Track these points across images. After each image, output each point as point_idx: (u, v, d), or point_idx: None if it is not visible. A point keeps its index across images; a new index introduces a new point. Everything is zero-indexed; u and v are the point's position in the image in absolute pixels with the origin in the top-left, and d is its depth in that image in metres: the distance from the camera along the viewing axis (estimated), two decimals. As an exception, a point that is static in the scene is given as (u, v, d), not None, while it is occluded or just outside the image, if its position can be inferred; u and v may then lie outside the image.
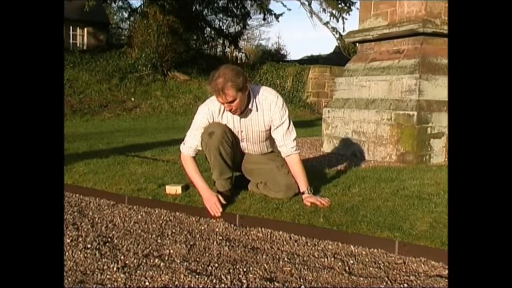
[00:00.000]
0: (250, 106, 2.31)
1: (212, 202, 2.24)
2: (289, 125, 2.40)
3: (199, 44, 15.22)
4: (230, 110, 2.24)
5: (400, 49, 4.19)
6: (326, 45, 50.17)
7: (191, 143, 2.37)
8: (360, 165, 3.89)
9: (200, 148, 2.39)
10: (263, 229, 2.14)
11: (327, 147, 4.72)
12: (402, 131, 3.87)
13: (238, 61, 16.08)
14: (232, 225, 2.19)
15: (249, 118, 2.35)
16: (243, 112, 2.31)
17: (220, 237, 2.03)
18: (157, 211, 2.47)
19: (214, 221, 2.23)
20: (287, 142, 2.40)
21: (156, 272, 1.60)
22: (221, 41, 16.31)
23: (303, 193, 2.35)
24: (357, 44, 4.97)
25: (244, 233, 2.10)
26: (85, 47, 15.40)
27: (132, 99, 11.01)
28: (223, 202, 2.25)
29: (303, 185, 2.37)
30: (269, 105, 2.33)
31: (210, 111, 2.35)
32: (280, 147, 2.43)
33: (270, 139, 2.51)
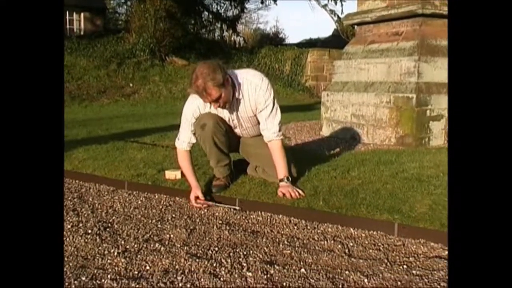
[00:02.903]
0: (236, 96, 2.26)
1: (192, 201, 2.23)
2: (272, 108, 2.32)
3: (197, 29, 15.06)
4: (218, 106, 2.19)
5: (399, 31, 4.14)
6: (325, 28, 49.66)
7: (184, 137, 2.35)
8: (359, 148, 3.88)
9: (194, 141, 2.36)
10: (262, 212, 2.15)
11: (326, 131, 4.71)
12: (401, 114, 3.85)
13: (236, 45, 15.94)
14: (231, 209, 2.20)
15: (237, 106, 2.32)
16: (231, 102, 2.27)
17: (220, 221, 2.03)
18: (157, 196, 2.47)
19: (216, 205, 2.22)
20: (269, 126, 2.33)
21: (156, 257, 1.60)
22: (219, 25, 16.13)
23: (280, 180, 2.31)
24: (356, 27, 4.91)
25: (244, 217, 2.10)
26: (82, 33, 15.22)
27: (131, 84, 10.94)
28: (203, 205, 2.22)
29: (281, 172, 2.31)
30: (254, 89, 2.28)
31: (196, 105, 2.31)
32: (262, 131, 2.37)
33: None
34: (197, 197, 2.22)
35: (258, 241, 1.78)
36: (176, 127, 2.52)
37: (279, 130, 2.36)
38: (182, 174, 2.52)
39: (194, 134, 2.34)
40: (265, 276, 1.45)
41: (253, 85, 2.28)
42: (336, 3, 13.72)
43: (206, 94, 2.09)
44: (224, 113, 2.35)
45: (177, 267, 1.52)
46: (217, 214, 2.15)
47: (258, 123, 2.41)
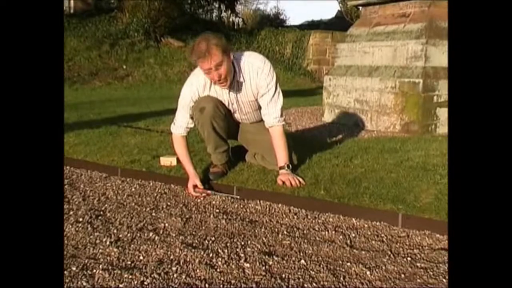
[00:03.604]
0: (237, 78, 2.24)
1: (190, 190, 2.22)
2: (274, 93, 2.31)
3: (194, 8, 14.87)
4: (219, 79, 2.16)
5: (406, 13, 4.09)
6: (328, 9, 49.25)
7: (181, 121, 2.33)
8: (362, 135, 3.87)
9: (192, 126, 2.35)
10: (261, 201, 2.14)
11: (328, 117, 4.69)
12: (407, 100, 3.83)
13: (235, 27, 15.80)
14: (229, 197, 2.19)
15: (237, 89, 2.30)
16: (231, 84, 2.24)
17: (217, 210, 2.03)
18: (151, 184, 2.46)
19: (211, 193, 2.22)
20: (271, 111, 2.32)
21: (150, 246, 1.60)
22: (217, 5, 15.95)
23: (280, 168, 2.30)
24: (361, 8, 4.85)
25: (242, 206, 2.10)
26: (72, 11, 15.03)
27: (124, 67, 10.85)
28: (202, 194, 2.21)
29: (281, 159, 2.31)
30: (256, 72, 2.26)
31: (194, 87, 2.28)
32: (263, 116, 2.36)
33: None
34: (195, 186, 2.21)
35: (256, 231, 1.78)
36: (172, 111, 2.50)
37: (281, 116, 2.35)
38: (178, 161, 2.51)
39: (192, 118, 2.32)
40: (264, 267, 1.45)
41: (254, 68, 2.26)
42: (340, -17, 13.55)
43: (208, 55, 2.07)
44: (224, 97, 2.33)
45: (172, 257, 1.52)
46: (214, 202, 2.15)
47: (259, 108, 2.40)
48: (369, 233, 1.78)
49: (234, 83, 2.26)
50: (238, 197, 2.20)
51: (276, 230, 1.80)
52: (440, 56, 3.81)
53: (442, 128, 3.83)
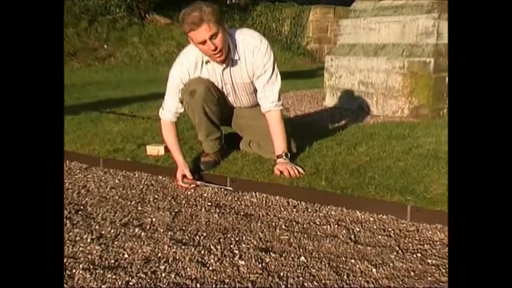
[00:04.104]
0: (232, 56, 2.22)
1: (179, 180, 2.22)
2: (272, 74, 2.30)
3: (182, -19, 14.75)
4: (214, 51, 2.11)
5: (416, -15, 4.07)
6: (330, -18, 48.79)
7: (169, 106, 2.31)
8: (367, 120, 3.87)
9: (181, 111, 2.33)
10: (257, 193, 2.14)
11: (330, 101, 4.69)
12: (416, 81, 3.83)
13: (228, 2, 15.66)
14: (222, 189, 2.19)
15: (231, 69, 2.28)
16: (226, 60, 2.22)
17: (209, 203, 2.03)
18: (136, 175, 2.46)
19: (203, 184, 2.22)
20: (268, 94, 2.32)
21: (136, 243, 1.60)
22: (207, -22, 15.80)
23: (277, 157, 2.30)
24: (366, -20, 4.81)
25: (236, 198, 2.10)
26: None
27: (105, 46, 10.75)
28: (191, 186, 2.21)
29: (279, 147, 2.30)
30: (251, 51, 2.24)
31: (185, 67, 2.26)
32: (260, 99, 2.35)
33: None
34: (184, 176, 2.21)
35: (252, 225, 1.78)
36: (159, 95, 2.49)
37: (279, 100, 2.34)
38: (166, 149, 2.50)
39: (182, 102, 2.31)
40: (260, 265, 1.45)
41: (250, 47, 2.24)
42: (343, -48, 13.43)
43: (202, 26, 2.04)
44: (217, 77, 2.31)
45: (160, 255, 1.52)
46: (205, 195, 2.15)
47: (254, 91, 2.38)
48: (375, 227, 1.78)
49: (229, 60, 2.24)
50: (232, 188, 2.19)
51: (274, 224, 1.80)
52: (452, 33, 3.79)
53: (455, 112, 3.83)
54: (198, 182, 2.21)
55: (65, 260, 1.47)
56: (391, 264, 1.47)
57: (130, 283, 1.34)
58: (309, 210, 1.96)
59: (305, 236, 1.68)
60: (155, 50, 11.18)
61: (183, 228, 1.75)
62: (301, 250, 1.57)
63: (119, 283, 1.34)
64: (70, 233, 1.68)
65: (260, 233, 1.70)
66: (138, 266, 1.43)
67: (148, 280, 1.35)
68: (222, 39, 2.11)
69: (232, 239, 1.65)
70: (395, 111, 4.00)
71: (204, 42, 2.09)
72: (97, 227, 1.75)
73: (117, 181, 2.36)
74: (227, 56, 2.20)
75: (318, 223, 1.82)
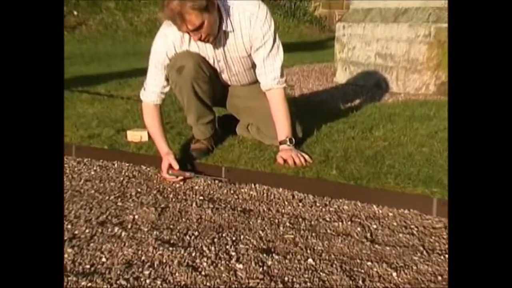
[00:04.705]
0: (224, 28, 2.21)
1: (163, 172, 2.22)
2: (273, 46, 2.29)
3: None
4: (200, 39, 2.13)
5: None
6: None
7: (152, 86, 2.29)
8: (386, 99, 3.87)
9: (167, 90, 2.32)
10: (257, 185, 2.15)
11: (341, 76, 4.68)
12: (444, 52, 3.81)
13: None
14: (216, 181, 2.19)
15: (224, 43, 2.26)
16: (217, 36, 2.21)
17: (201, 197, 2.03)
18: (116, 165, 2.46)
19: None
20: (268, 69, 2.31)
21: (115, 245, 1.60)
22: None
23: (280, 142, 2.30)
24: None
25: (232, 192, 2.10)
26: None
27: (75, 12, 10.68)
28: (178, 178, 2.21)
29: (282, 132, 2.30)
30: (248, 20, 2.23)
31: (170, 39, 2.24)
32: (259, 76, 2.35)
33: None
34: (170, 167, 2.21)
35: (251, 222, 1.79)
36: (141, 71, 2.48)
37: (281, 76, 2.33)
38: (150, 136, 2.50)
39: (167, 80, 2.30)
40: (261, 269, 1.45)
41: (247, 14, 2.23)
42: None
43: (182, 21, 2.04)
44: (208, 52, 2.30)
45: (143, 258, 1.52)
46: (196, 187, 2.15)
47: (253, 66, 2.37)
48: (395, 223, 1.78)
49: (220, 33, 2.22)
50: (227, 180, 2.20)
51: (276, 221, 1.80)
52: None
53: (488, 89, 3.83)
54: (187, 173, 2.21)
55: (33, 265, 1.48)
56: (414, 267, 1.47)
57: (110, 291, 1.34)
58: (318, 204, 1.96)
59: (313, 234, 1.68)
60: (135, 18, 11.11)
61: (171, 226, 1.76)
62: (308, 251, 1.57)
63: (97, 291, 1.34)
64: (39, 234, 1.69)
65: (260, 232, 1.71)
66: (118, 272, 1.43)
67: (131, 288, 1.36)
68: (208, 27, 2.09)
69: (228, 238, 1.65)
70: (419, 88, 3.99)
71: (186, 33, 2.13)
72: (69, 226, 1.75)
73: (92, 172, 2.36)
74: (216, 34, 2.19)
75: (328, 219, 1.82)
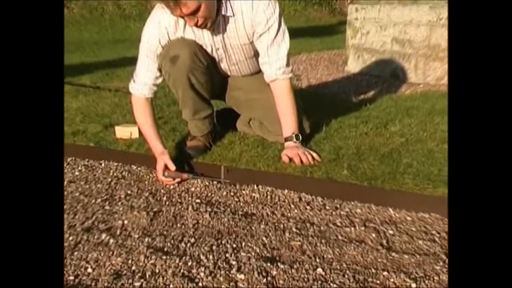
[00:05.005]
0: (223, 12, 2.21)
1: (159, 174, 2.22)
2: (277, 31, 2.29)
3: None
4: (196, 25, 2.13)
5: None
6: None
7: (144, 77, 2.30)
8: (403, 90, 3.86)
9: (159, 82, 2.33)
10: (260, 187, 2.16)
11: (353, 65, 4.67)
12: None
13: None
14: (214, 182, 2.20)
15: (224, 28, 2.26)
16: (215, 22, 2.21)
17: (198, 200, 2.04)
18: (103, 165, 2.47)
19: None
20: (272, 58, 2.31)
21: (103, 253, 1.60)
22: None
23: (286, 139, 2.31)
24: None
25: (232, 194, 2.11)
26: None
27: (58, -4, 10.70)
28: (175, 180, 2.22)
29: (288, 128, 2.31)
30: (250, 3, 2.23)
31: (163, 26, 2.24)
32: (262, 65, 2.35)
33: None
34: (166, 168, 2.21)
35: (253, 228, 1.79)
36: (130, 61, 2.48)
37: (287, 65, 2.34)
38: (142, 133, 2.50)
39: (160, 71, 2.30)
40: (264, 280, 1.45)
41: None
42: None
43: (177, 5, 2.04)
44: (205, 39, 2.30)
45: (134, 267, 1.52)
46: (193, 189, 2.16)
47: (255, 55, 2.37)
48: (414, 229, 1.79)
49: (219, 18, 2.23)
50: (228, 181, 2.20)
51: (282, 226, 1.80)
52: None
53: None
54: (185, 175, 2.22)
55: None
56: (435, 278, 1.47)
57: (97, 305, 1.35)
58: (327, 207, 1.96)
59: (323, 241, 1.69)
60: (123, 0, 11.13)
61: (164, 232, 1.76)
62: (317, 259, 1.57)
63: (83, 304, 1.35)
64: (18, 241, 1.70)
65: (264, 238, 1.71)
66: (106, 283, 1.44)
67: (120, 300, 1.37)
68: (206, 11, 2.09)
69: (228, 246, 1.66)
70: (440, 78, 3.99)
71: (180, 17, 2.12)
72: (52, 232, 1.76)
73: (77, 173, 2.37)
74: (214, 18, 2.19)
75: (339, 224, 1.82)
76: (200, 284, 1.44)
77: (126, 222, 1.84)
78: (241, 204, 2.02)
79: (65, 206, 1.97)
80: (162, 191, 2.14)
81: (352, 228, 1.78)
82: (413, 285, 1.43)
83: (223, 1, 2.19)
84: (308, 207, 1.97)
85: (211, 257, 1.58)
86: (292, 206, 1.98)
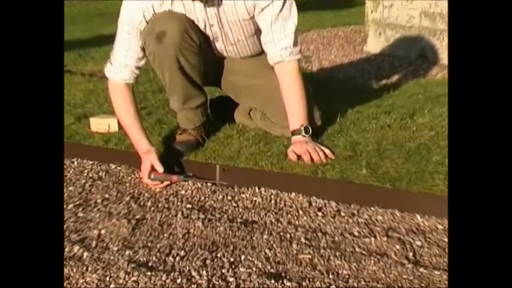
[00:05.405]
0: None
1: (144, 176, 2.23)
2: (283, 5, 2.29)
3: None
4: None
5: None
6: None
7: (124, 58, 2.29)
8: (432, 74, 3.86)
9: (142, 64, 2.33)
10: (262, 189, 2.16)
11: (374, 44, 4.67)
12: None
13: None
14: (208, 184, 2.20)
15: (220, 2, 2.25)
16: None
17: (189, 205, 2.05)
18: (75, 163, 2.49)
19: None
20: (277, 36, 2.31)
21: (76, 269, 1.60)
22: None
23: (293, 133, 2.32)
24: None
25: (230, 198, 2.11)
26: None
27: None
28: (164, 183, 2.23)
29: (295, 119, 2.32)
30: None
31: None
32: (265, 44, 2.36)
33: None
34: (152, 169, 2.21)
35: (255, 238, 1.79)
36: (107, 38, 2.47)
37: (295, 44, 2.34)
38: (121, 125, 2.50)
39: (144, 51, 2.30)
40: (268, 300, 1.46)
41: None
42: None
43: None
44: (197, 13, 2.30)
45: (112, 286, 1.53)
46: (183, 192, 2.16)
47: (256, 32, 2.37)
48: (446, 239, 1.78)
49: None
50: (224, 182, 2.21)
51: (288, 236, 1.81)
52: None
53: None
54: (175, 177, 2.22)
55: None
56: (469, 296, 1.48)
57: (69, 330, 1.36)
58: (343, 214, 1.97)
59: (337, 254, 1.69)
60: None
61: (149, 244, 1.76)
62: (330, 276, 1.57)
63: (52, 329, 1.35)
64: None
65: (267, 251, 1.71)
66: (81, 304, 1.45)
67: (96, 325, 1.37)
68: None
69: (225, 260, 1.66)
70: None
71: None
72: (16, 244, 1.76)
73: (45, 173, 2.38)
74: None
75: (356, 234, 1.82)
76: (191, 305, 1.45)
77: (103, 231, 1.85)
78: (240, 210, 2.02)
79: (31, 213, 1.99)
80: (146, 194, 2.15)
81: (372, 239, 1.78)
82: (445, 306, 1.44)
83: None
84: (319, 214, 1.97)
85: (204, 273, 1.58)
86: (301, 212, 1.99)
